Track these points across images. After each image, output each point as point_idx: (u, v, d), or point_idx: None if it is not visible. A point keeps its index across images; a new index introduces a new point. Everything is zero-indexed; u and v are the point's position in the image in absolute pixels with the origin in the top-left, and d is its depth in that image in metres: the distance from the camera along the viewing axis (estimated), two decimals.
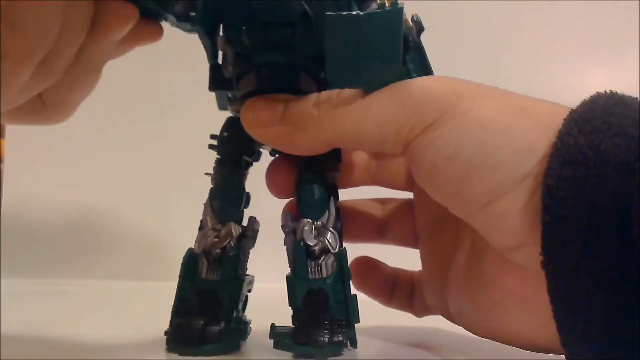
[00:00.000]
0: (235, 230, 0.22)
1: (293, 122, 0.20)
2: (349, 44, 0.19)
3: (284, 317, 0.22)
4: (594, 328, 0.16)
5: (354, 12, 0.19)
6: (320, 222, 0.22)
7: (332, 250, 0.22)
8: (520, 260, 0.17)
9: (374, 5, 0.22)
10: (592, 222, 0.15)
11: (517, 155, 0.17)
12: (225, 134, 0.24)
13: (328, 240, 0.22)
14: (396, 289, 0.27)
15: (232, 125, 0.24)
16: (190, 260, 0.22)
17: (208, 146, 0.24)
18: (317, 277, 0.22)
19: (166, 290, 0.43)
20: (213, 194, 0.23)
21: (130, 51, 0.24)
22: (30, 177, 0.52)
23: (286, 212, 0.24)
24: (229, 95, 0.25)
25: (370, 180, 0.27)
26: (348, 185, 0.26)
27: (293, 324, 0.22)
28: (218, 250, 0.22)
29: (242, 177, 0.24)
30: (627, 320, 0.15)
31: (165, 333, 0.21)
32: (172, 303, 0.22)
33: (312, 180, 0.23)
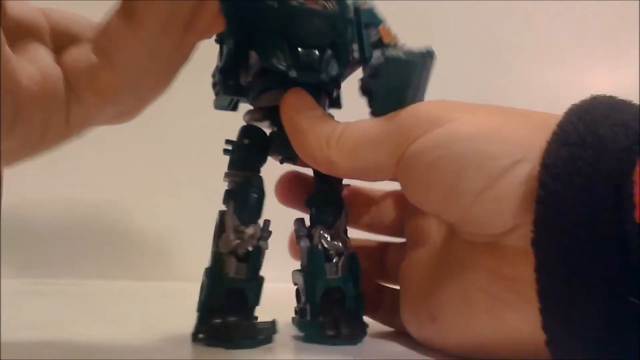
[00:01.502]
0: (257, 231, 0.25)
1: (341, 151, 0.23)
2: (400, 80, 0.24)
3: (282, 315, 0.25)
4: (584, 308, 0.16)
5: (405, 55, 0.24)
6: (334, 229, 0.26)
7: (345, 253, 0.25)
8: (513, 241, 0.18)
9: (374, 33, 0.26)
10: (586, 199, 0.16)
11: (511, 145, 0.19)
12: (246, 140, 0.26)
13: (341, 244, 0.26)
14: (381, 305, 0.29)
15: (250, 132, 0.26)
16: (218, 260, 0.24)
17: (223, 151, 0.26)
18: (334, 277, 0.25)
19: (167, 290, 0.44)
20: (235, 196, 0.25)
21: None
22: (31, 176, 0.51)
23: (297, 218, 0.27)
24: (228, 101, 0.28)
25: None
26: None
27: (309, 319, 0.25)
28: (244, 250, 0.24)
29: (262, 181, 0.26)
30: (619, 299, 0.15)
31: (197, 333, 0.23)
32: (190, 301, 0.24)
33: (327, 190, 0.26)
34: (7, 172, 0.46)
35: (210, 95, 0.28)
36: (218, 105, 0.28)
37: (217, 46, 0.27)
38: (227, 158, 0.26)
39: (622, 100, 0.19)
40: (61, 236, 0.52)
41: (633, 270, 0.15)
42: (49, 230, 0.52)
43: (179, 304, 0.36)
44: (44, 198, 0.53)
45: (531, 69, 0.62)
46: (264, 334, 0.23)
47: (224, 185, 0.26)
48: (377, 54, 0.25)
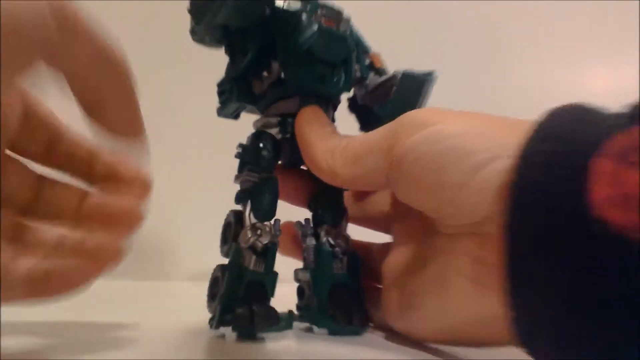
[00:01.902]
0: (273, 228, 0.27)
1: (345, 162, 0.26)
2: (412, 94, 0.29)
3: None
4: (557, 290, 0.17)
5: (419, 73, 0.29)
6: (338, 229, 0.29)
7: (348, 251, 0.28)
8: (492, 229, 0.20)
9: (366, 58, 0.30)
10: (553, 189, 0.17)
11: (489, 143, 0.21)
12: (261, 144, 0.28)
13: (345, 243, 0.29)
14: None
15: (263, 138, 0.29)
16: (238, 255, 0.26)
17: (235, 155, 0.29)
18: (341, 273, 0.28)
19: (166, 290, 0.45)
20: (252, 196, 0.27)
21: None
22: None
23: (298, 221, 0.30)
24: (234, 109, 0.30)
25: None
26: None
27: (317, 312, 0.28)
28: (262, 245, 0.26)
29: (277, 182, 0.29)
30: (581, 282, 0.17)
31: (221, 322, 0.25)
32: (208, 293, 0.27)
33: (331, 192, 0.29)
34: None
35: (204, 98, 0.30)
36: (223, 113, 0.31)
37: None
38: (222, 160, 0.29)
39: (595, 105, 0.21)
40: None
41: (593, 257, 0.17)
42: None
43: (174, 302, 0.37)
44: None
45: (531, 69, 0.64)
46: (285, 321, 0.26)
47: (218, 187, 0.29)
48: (376, 78, 0.30)
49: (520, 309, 0.19)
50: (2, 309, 0.21)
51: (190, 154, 0.57)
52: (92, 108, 0.21)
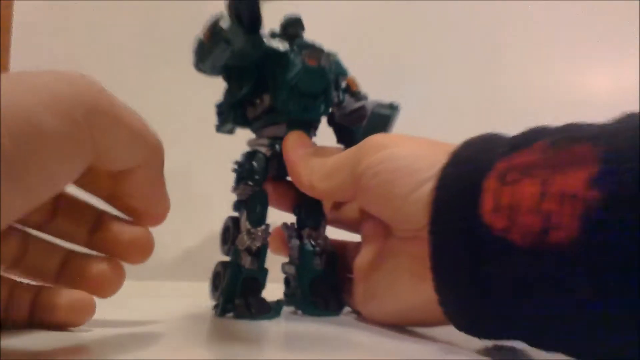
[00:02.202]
0: (264, 232, 0.33)
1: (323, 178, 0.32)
2: (380, 124, 0.36)
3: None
4: (462, 277, 0.23)
5: (385, 110, 0.36)
6: (318, 231, 0.35)
7: (327, 249, 0.35)
8: (425, 234, 0.25)
9: (342, 81, 0.37)
10: (462, 201, 0.23)
11: (428, 164, 0.26)
12: (255, 164, 0.35)
13: (324, 242, 0.35)
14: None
15: (256, 156, 0.35)
16: (236, 255, 0.33)
17: (232, 170, 0.36)
18: (319, 268, 0.35)
19: (165, 290, 0.48)
20: (247, 205, 0.34)
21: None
22: None
23: (283, 223, 0.37)
24: (230, 127, 0.37)
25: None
26: None
27: (301, 299, 0.34)
28: (256, 247, 0.33)
29: (266, 193, 0.35)
30: (479, 270, 0.22)
31: (224, 310, 0.32)
32: (220, 286, 0.33)
33: (312, 200, 0.36)
34: None
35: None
36: (221, 130, 0.38)
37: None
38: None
39: (502, 134, 0.26)
40: None
41: (483, 252, 0.22)
42: None
43: (167, 301, 0.41)
44: None
45: (531, 69, 0.65)
46: (276, 309, 0.33)
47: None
48: (352, 101, 0.36)
49: (442, 294, 0.25)
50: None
51: (188, 158, 0.58)
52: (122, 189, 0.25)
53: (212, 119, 0.38)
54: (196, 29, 0.34)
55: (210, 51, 0.33)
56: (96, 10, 0.59)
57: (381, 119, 0.35)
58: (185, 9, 0.60)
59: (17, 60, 0.57)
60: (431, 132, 0.54)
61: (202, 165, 0.58)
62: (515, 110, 0.63)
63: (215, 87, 0.37)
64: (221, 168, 0.37)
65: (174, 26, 0.61)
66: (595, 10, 0.66)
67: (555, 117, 0.62)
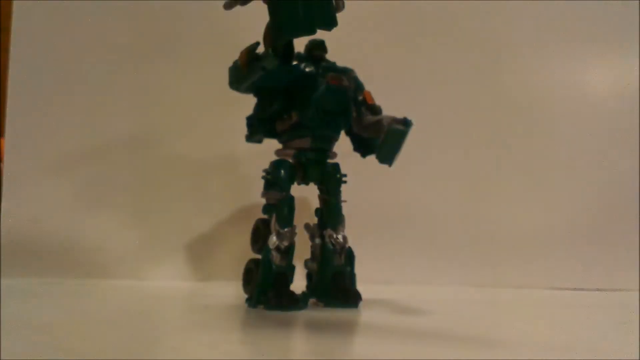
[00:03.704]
0: (292, 233, 0.39)
1: None
2: (398, 141, 0.38)
3: None
4: None
5: (399, 127, 0.38)
6: (341, 233, 0.41)
7: (346, 247, 0.41)
8: None
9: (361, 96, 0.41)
10: None
11: None
12: (282, 172, 0.40)
13: (343, 241, 0.41)
14: None
15: (283, 165, 0.40)
16: (268, 254, 0.38)
17: (261, 177, 0.41)
18: (340, 264, 0.40)
19: (165, 291, 0.50)
20: (276, 209, 0.39)
21: None
22: (31, 176, 0.55)
23: (306, 223, 0.42)
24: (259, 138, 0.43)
25: None
26: None
27: (324, 294, 0.40)
28: (285, 246, 0.38)
29: (293, 198, 0.40)
30: None
31: (257, 302, 0.37)
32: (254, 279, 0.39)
33: (335, 203, 0.41)
34: (7, 172, 0.49)
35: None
36: (251, 140, 0.43)
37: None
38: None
39: None
40: (63, 235, 0.55)
41: None
42: (50, 230, 0.55)
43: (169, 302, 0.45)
44: (45, 197, 0.56)
45: (531, 69, 0.67)
46: (303, 301, 0.38)
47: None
48: (369, 115, 0.41)
49: None
50: (2, 309, 0.23)
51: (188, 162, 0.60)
52: None
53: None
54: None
55: (246, 76, 0.38)
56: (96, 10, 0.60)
57: (396, 134, 0.40)
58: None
59: (17, 60, 0.57)
60: (431, 131, 0.58)
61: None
62: (515, 110, 0.66)
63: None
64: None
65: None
66: (596, 10, 0.68)
67: (555, 116, 0.65)
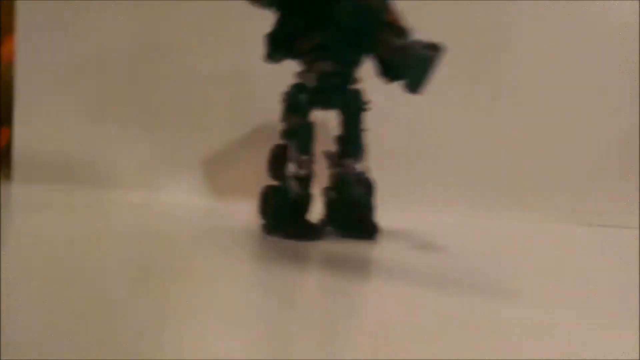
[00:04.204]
0: (311, 160, 0.38)
1: None
2: (426, 68, 0.35)
3: None
4: None
5: (430, 50, 0.35)
6: (361, 162, 0.39)
7: (365, 177, 0.39)
8: None
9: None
10: None
11: None
12: (302, 96, 0.38)
13: (364, 171, 0.39)
14: None
15: (303, 90, 0.38)
16: (285, 181, 0.37)
17: (280, 101, 0.39)
18: (359, 194, 0.39)
19: (178, 209, 0.52)
20: (296, 135, 0.38)
21: None
22: (44, 85, 0.57)
23: (325, 150, 0.40)
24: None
25: None
26: None
27: (341, 224, 0.39)
28: (303, 174, 0.37)
29: (314, 124, 0.38)
30: None
31: (272, 229, 0.37)
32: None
33: (356, 131, 0.39)
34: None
35: None
36: (271, 59, 0.40)
37: None
38: None
39: None
40: None
41: None
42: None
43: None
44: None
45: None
46: (319, 231, 0.38)
47: None
48: (395, 38, 0.37)
49: None
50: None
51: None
52: None
53: None
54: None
55: None
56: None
57: (425, 60, 0.37)
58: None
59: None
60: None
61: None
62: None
63: None
64: None
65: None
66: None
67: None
